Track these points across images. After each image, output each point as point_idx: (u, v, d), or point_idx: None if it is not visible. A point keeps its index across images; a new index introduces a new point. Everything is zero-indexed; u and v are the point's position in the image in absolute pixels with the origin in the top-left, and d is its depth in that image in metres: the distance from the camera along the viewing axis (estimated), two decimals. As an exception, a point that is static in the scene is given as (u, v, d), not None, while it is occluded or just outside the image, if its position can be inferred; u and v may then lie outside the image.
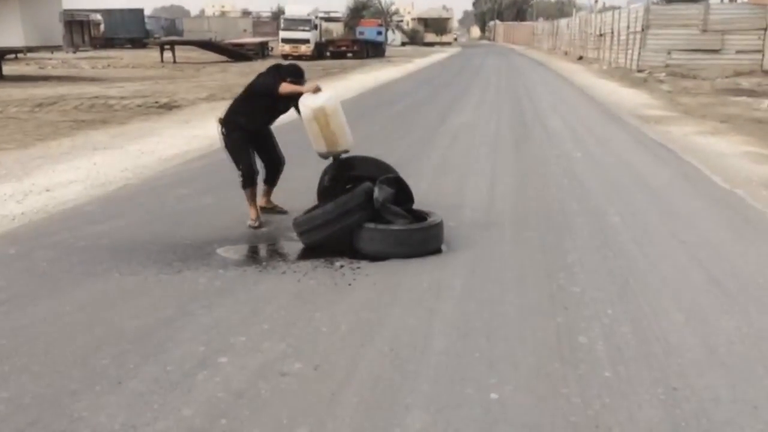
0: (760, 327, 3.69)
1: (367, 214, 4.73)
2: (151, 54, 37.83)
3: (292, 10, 41.81)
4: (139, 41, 52.70)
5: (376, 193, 4.72)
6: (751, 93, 17.79)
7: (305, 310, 3.84)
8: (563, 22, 53.77)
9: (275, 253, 4.91)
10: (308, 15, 40.41)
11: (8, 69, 24.62)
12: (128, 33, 54.38)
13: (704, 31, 25.89)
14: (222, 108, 14.73)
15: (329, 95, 5.32)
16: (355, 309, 3.87)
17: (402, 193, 5.00)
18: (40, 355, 3.26)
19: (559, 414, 2.80)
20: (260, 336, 3.50)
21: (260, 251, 4.98)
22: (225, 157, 5.99)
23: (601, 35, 34.91)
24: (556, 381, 3.07)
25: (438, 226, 4.86)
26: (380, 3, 68.99)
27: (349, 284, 4.25)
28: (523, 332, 3.58)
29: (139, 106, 14.87)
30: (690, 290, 4.23)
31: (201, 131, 10.99)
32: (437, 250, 4.82)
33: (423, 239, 4.75)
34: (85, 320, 3.68)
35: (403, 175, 5.41)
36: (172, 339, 3.44)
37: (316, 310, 3.83)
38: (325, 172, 5.39)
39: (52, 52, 29.73)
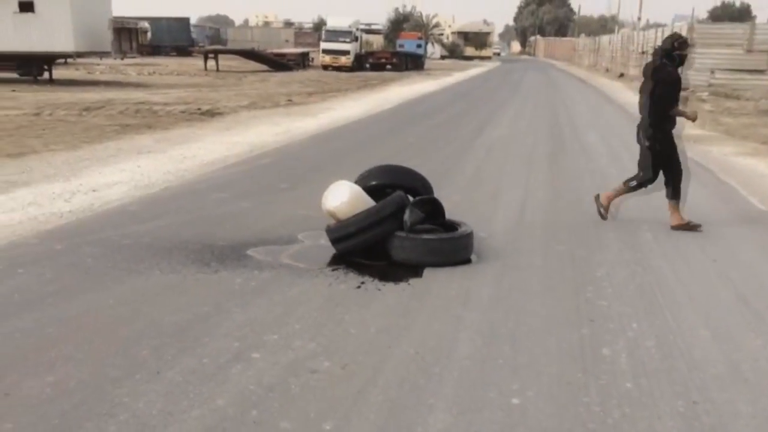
0: (786, 346, 3.70)
1: (399, 224, 4.85)
2: (195, 62, 38.66)
3: (334, 22, 42.31)
4: (183, 49, 53.92)
5: (407, 215, 4.82)
6: (795, 115, 17.48)
7: (336, 312, 3.97)
8: (605, 38, 53.39)
9: (309, 258, 5.04)
10: (349, 27, 40.85)
11: (57, 73, 25.42)
12: (174, 41, 55.61)
13: (749, 51, 25.55)
14: (263, 116, 14.99)
15: (345, 197, 5.01)
16: (384, 313, 3.98)
17: (436, 210, 5.10)
18: (84, 345, 3.44)
19: (578, 421, 2.87)
20: (292, 335, 3.63)
21: (294, 255, 5.12)
22: (264, 163, 6.17)
23: (643, 53, 34.56)
24: (577, 390, 3.13)
25: (468, 237, 4.95)
26: (421, 16, 69.29)
27: (379, 289, 4.37)
28: (547, 342, 3.65)
29: (182, 112, 15.25)
30: (718, 308, 4.25)
31: (241, 138, 11.28)
32: (467, 260, 4.92)
33: (453, 249, 4.85)
34: (127, 314, 3.87)
35: (437, 185, 5.54)
36: (208, 334, 3.60)
37: (346, 313, 3.96)
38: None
39: (101, 58, 30.63)
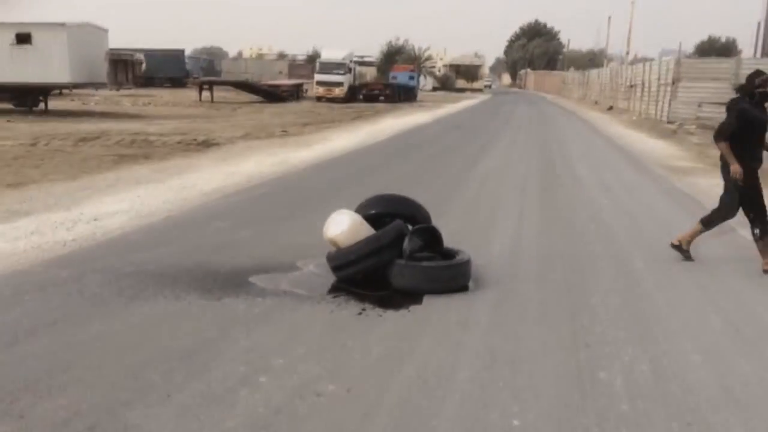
0: (775, 370, 3.83)
1: (398, 251, 4.97)
2: (190, 93, 39.01)
3: (328, 54, 42.78)
4: (178, 80, 54.33)
5: (406, 243, 4.97)
6: (781, 147, 17.81)
7: (339, 337, 4.07)
8: (594, 72, 54.26)
9: (310, 285, 5.14)
10: (343, 59, 41.35)
11: (53, 104, 25.61)
12: (168, 73, 56.07)
13: (735, 85, 26.03)
14: (259, 147, 15.12)
15: (346, 225, 5.16)
16: (386, 338, 4.09)
17: (434, 238, 5.24)
18: (94, 369, 3.53)
19: (577, 441, 2.97)
20: (297, 359, 3.73)
21: (295, 282, 5.22)
22: (262, 192, 6.30)
23: (631, 86, 35.18)
24: (575, 411, 3.24)
25: (466, 264, 5.08)
26: (413, 48, 70.20)
27: (380, 315, 4.48)
28: (545, 366, 3.76)
29: (178, 143, 15.41)
30: (708, 334, 4.38)
31: (238, 168, 11.42)
32: (465, 287, 5.04)
33: (451, 276, 4.97)
34: (135, 339, 3.96)
35: (433, 214, 5.67)
36: (215, 359, 3.69)
37: (349, 338, 4.06)
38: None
39: (96, 89, 30.85)
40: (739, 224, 7.88)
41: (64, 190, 9.01)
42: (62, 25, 25.16)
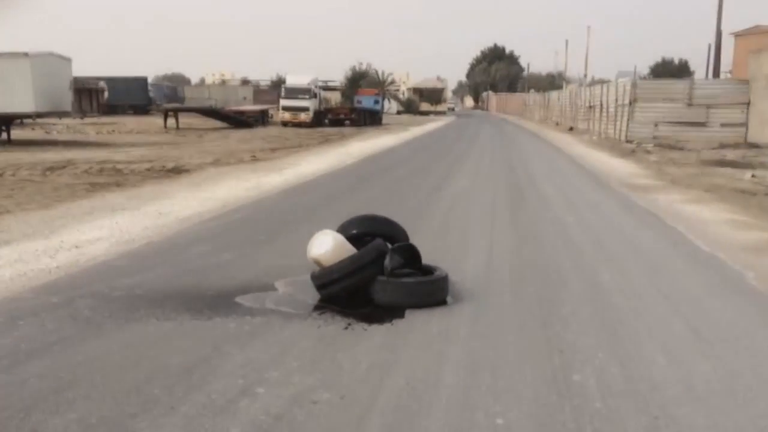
0: (732, 369, 4.16)
1: (379, 269, 5.23)
2: (154, 120, 38.95)
3: (293, 80, 43.14)
4: (141, 108, 54.13)
5: (387, 261, 5.23)
6: (734, 164, 18.59)
7: (328, 351, 4.30)
8: (554, 94, 55.60)
9: (295, 303, 5.34)
10: (308, 84, 41.74)
11: (14, 134, 25.32)
12: (131, 100, 55.86)
13: (690, 105, 27.08)
14: (230, 172, 15.24)
15: (329, 245, 5.39)
16: (373, 351, 4.32)
17: (413, 256, 5.51)
18: (98, 386, 3.69)
19: (556, 435, 3.24)
20: (290, 372, 3.94)
21: (281, 301, 5.41)
22: (238, 217, 6.49)
23: (590, 107, 36.22)
24: (553, 410, 3.51)
25: (444, 280, 5.36)
26: (377, 73, 71.06)
27: (365, 330, 4.72)
28: (523, 371, 4.03)
29: (147, 170, 15.47)
30: (672, 338, 4.71)
31: (212, 194, 11.58)
32: (443, 301, 5.30)
33: (430, 291, 5.24)
34: (132, 358, 4.12)
35: (409, 233, 5.95)
36: (213, 373, 3.88)
37: (338, 351, 4.29)
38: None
39: (61, 118, 30.65)
40: (695, 234, 8.35)
41: (40, 219, 9.06)
42: (25, 54, 25.09)
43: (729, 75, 44.50)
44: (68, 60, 28.48)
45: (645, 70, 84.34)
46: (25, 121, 30.94)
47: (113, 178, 13.86)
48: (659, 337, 4.70)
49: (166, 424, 3.26)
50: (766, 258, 7.27)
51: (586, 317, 5.11)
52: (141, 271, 6.26)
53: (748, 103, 26.35)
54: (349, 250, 5.35)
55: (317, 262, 5.40)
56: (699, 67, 77.82)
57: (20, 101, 24.86)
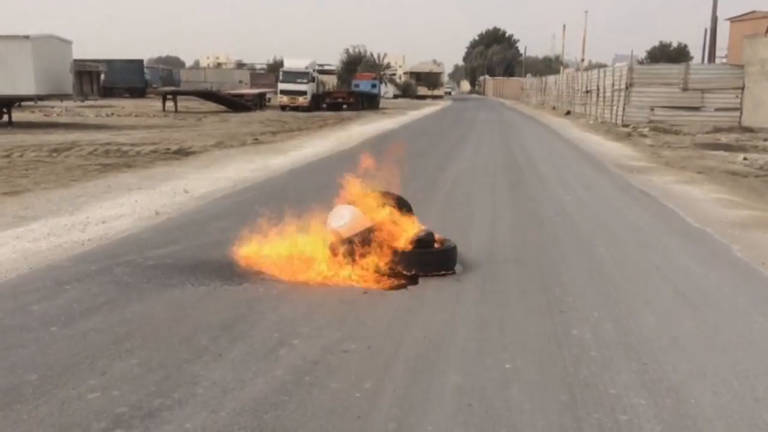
0: (714, 326, 4.65)
1: None
2: (151, 103, 39.15)
3: (291, 64, 43.31)
4: (137, 91, 54.17)
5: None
6: (728, 148, 19.07)
7: (351, 310, 4.77)
8: (551, 78, 55.90)
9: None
10: (306, 68, 41.94)
11: (15, 116, 25.56)
12: (128, 83, 55.83)
13: (685, 89, 27.51)
14: (235, 155, 15.62)
15: (347, 218, 5.78)
16: (392, 311, 4.80)
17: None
18: (150, 338, 4.15)
19: (557, 376, 3.73)
20: (319, 327, 4.41)
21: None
22: (251, 195, 6.89)
23: (587, 92, 36.60)
24: (554, 357, 4.00)
25: (453, 250, 5.83)
26: (373, 57, 71.10)
27: (383, 294, 5.18)
28: (527, 327, 4.51)
29: (153, 152, 15.85)
30: (660, 300, 5.19)
31: (222, 174, 12.01)
32: (452, 270, 5.77)
33: (442, 260, 5.71)
34: (176, 316, 4.59)
35: (415, 211, 6.41)
36: (251, 328, 4.36)
37: (360, 311, 4.76)
38: None
39: (62, 101, 30.86)
40: (686, 211, 8.83)
41: (61, 197, 9.49)
42: (27, 37, 25.31)
43: (724, 60, 44.91)
44: (69, 42, 28.70)
45: (642, 54, 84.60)
46: (24, 103, 31.12)
47: (122, 159, 14.26)
48: (649, 300, 5.18)
49: (217, 367, 3.73)
50: (752, 233, 7.76)
51: (583, 283, 5.59)
52: (168, 243, 6.70)
53: (743, 88, 26.80)
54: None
55: (336, 234, 5.85)
56: (696, 50, 78.16)
57: (22, 84, 25.11)
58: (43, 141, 17.71)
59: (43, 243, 6.64)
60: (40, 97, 26.98)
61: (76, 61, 29.77)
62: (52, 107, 33.96)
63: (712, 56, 37.44)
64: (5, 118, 24.86)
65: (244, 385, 3.51)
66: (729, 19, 47.32)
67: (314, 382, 3.58)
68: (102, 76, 53.39)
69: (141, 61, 61.10)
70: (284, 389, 3.48)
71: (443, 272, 5.65)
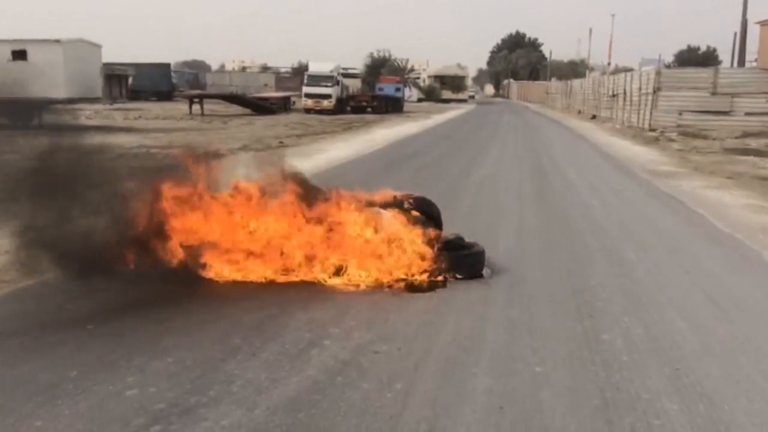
0: (746, 333, 4.62)
1: None
2: (177, 106, 39.52)
3: (316, 67, 43.59)
4: (164, 94, 54.79)
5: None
6: (758, 153, 18.80)
7: (381, 313, 4.81)
8: (577, 82, 55.55)
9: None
10: (330, 71, 42.18)
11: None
12: (155, 86, 56.47)
13: (714, 93, 27.16)
14: (261, 158, 15.71)
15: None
16: (421, 313, 4.83)
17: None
18: (185, 337, 4.23)
19: (588, 381, 3.73)
20: (350, 329, 4.45)
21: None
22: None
23: (613, 96, 36.32)
24: (585, 362, 4.00)
25: (482, 253, 5.85)
26: (397, 61, 71.22)
27: (412, 296, 5.21)
28: (557, 332, 4.52)
29: (182, 155, 15.99)
30: (692, 306, 5.16)
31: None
32: (480, 273, 5.78)
33: (471, 263, 5.73)
34: (211, 316, 4.66)
35: (442, 216, 6.44)
36: (283, 329, 4.41)
37: (390, 313, 4.80)
38: None
39: (92, 104, 31.39)
40: (716, 217, 8.75)
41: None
42: (57, 41, 25.82)
43: (754, 64, 44.26)
44: (98, 46, 29.26)
45: (669, 58, 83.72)
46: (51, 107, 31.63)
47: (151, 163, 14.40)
48: (680, 306, 5.15)
49: (251, 366, 3.79)
50: (783, 239, 7.66)
51: (613, 288, 5.57)
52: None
53: (773, 92, 26.40)
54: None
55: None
56: (725, 54, 77.17)
57: (52, 88, 25.58)
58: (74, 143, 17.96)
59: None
60: (71, 101, 27.52)
61: (105, 64, 30.28)
62: (80, 110, 34.49)
63: (741, 60, 36.98)
64: (35, 121, 25.32)
65: (277, 385, 3.57)
66: (759, 22, 46.57)
67: (346, 382, 3.63)
68: (130, 80, 54.38)
69: (168, 65, 61.77)
70: (317, 389, 3.53)
71: (471, 276, 5.67)
